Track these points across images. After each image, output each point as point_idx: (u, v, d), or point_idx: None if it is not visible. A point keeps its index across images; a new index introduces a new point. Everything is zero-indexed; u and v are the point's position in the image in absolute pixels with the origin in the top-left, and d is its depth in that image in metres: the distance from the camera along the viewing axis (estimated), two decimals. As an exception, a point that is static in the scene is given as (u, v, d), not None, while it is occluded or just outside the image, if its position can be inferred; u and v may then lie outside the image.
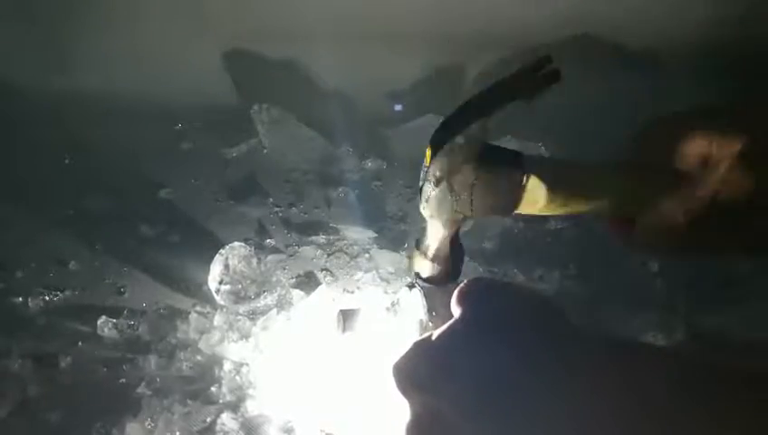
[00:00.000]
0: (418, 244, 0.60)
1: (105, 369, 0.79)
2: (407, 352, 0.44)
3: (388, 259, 1.01)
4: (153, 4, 1.56)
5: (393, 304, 0.62)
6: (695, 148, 0.53)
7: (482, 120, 0.52)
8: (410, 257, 0.61)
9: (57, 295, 0.91)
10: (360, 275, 1.00)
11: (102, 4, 1.56)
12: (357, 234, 1.12)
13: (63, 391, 0.75)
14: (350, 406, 0.72)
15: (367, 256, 1.03)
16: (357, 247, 1.08)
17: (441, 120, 0.54)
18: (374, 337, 0.64)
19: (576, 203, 0.55)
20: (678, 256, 0.56)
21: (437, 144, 0.55)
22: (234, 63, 1.64)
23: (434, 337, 0.43)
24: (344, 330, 0.65)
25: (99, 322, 0.84)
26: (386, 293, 0.95)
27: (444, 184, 0.56)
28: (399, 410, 0.44)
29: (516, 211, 0.55)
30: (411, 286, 0.64)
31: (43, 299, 0.90)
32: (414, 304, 0.62)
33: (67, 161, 1.33)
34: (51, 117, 1.46)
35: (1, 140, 1.38)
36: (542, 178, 0.53)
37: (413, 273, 0.61)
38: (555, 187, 0.54)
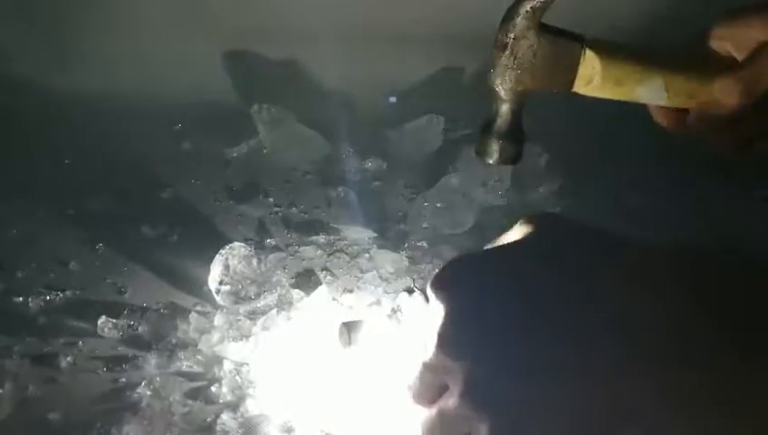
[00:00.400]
0: (486, 126, 0.63)
1: (105, 369, 0.79)
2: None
3: (388, 259, 1.01)
4: (154, 3, 1.56)
5: (394, 311, 0.62)
6: (753, 33, 0.54)
7: None
8: (478, 146, 0.63)
9: (57, 295, 0.91)
10: (360, 274, 1.00)
11: (103, 3, 1.56)
12: (357, 234, 1.12)
13: (63, 391, 0.75)
14: (351, 407, 0.73)
15: (367, 256, 1.03)
16: (357, 247, 1.08)
17: None
18: (375, 341, 0.64)
19: (631, 83, 0.57)
20: (736, 146, 0.57)
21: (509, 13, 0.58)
22: (234, 63, 1.64)
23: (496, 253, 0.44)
24: (349, 343, 0.65)
25: (99, 322, 0.84)
26: (386, 293, 0.95)
27: (508, 50, 0.58)
28: (400, 413, 0.45)
29: (573, 89, 0.58)
30: (411, 291, 0.64)
31: (43, 299, 0.90)
32: (415, 308, 0.61)
33: (67, 161, 1.33)
34: (51, 117, 1.46)
35: (1, 139, 1.37)
36: (598, 51, 0.57)
37: (480, 156, 0.63)
38: (611, 61, 0.57)
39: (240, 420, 0.72)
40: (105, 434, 0.69)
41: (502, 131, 0.62)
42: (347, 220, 1.15)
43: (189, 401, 0.74)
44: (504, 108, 0.61)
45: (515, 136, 0.63)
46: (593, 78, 0.57)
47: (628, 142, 1.38)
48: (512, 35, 0.58)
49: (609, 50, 0.57)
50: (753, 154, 0.59)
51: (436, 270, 0.44)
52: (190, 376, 0.79)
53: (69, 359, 0.80)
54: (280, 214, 1.19)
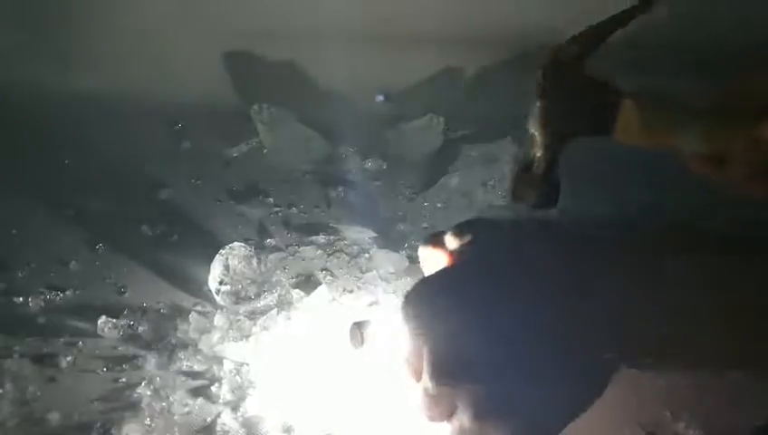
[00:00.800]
0: (524, 168, 0.64)
1: (105, 369, 0.79)
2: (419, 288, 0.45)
3: (388, 259, 1.01)
4: (155, 5, 1.56)
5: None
6: None
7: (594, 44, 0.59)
8: (513, 185, 0.65)
9: (57, 295, 0.91)
10: (360, 274, 1.00)
11: (105, 5, 1.56)
12: (357, 234, 1.12)
13: (63, 391, 0.75)
14: (353, 407, 0.73)
15: (367, 256, 1.03)
16: (357, 247, 1.08)
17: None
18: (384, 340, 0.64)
19: (668, 132, 0.58)
20: None
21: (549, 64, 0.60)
22: (234, 63, 1.64)
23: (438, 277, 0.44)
24: (361, 343, 0.65)
25: (99, 322, 0.84)
26: (386, 292, 0.95)
27: (550, 98, 0.60)
28: (404, 410, 0.45)
29: (613, 134, 0.59)
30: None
31: (44, 299, 0.90)
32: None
33: (67, 161, 1.33)
34: (51, 117, 1.46)
35: (1, 139, 1.38)
36: (637, 101, 0.58)
37: (517, 199, 0.65)
38: (649, 110, 0.58)
39: (240, 420, 0.72)
40: (105, 434, 0.69)
41: (539, 176, 0.64)
42: (347, 220, 1.15)
43: (189, 401, 0.74)
44: (542, 153, 0.62)
45: (552, 181, 0.65)
46: (632, 126, 0.58)
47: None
48: (550, 81, 0.60)
49: (647, 100, 0.58)
50: None
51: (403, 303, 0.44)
52: (190, 376, 0.79)
53: (69, 359, 0.80)
54: (280, 214, 1.19)
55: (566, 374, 0.38)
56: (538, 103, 0.61)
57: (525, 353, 0.38)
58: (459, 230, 0.46)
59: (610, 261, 0.40)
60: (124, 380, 0.77)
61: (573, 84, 0.59)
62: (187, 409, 0.73)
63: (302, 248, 1.07)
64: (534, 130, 0.62)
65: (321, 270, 1.01)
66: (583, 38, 0.60)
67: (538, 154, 0.63)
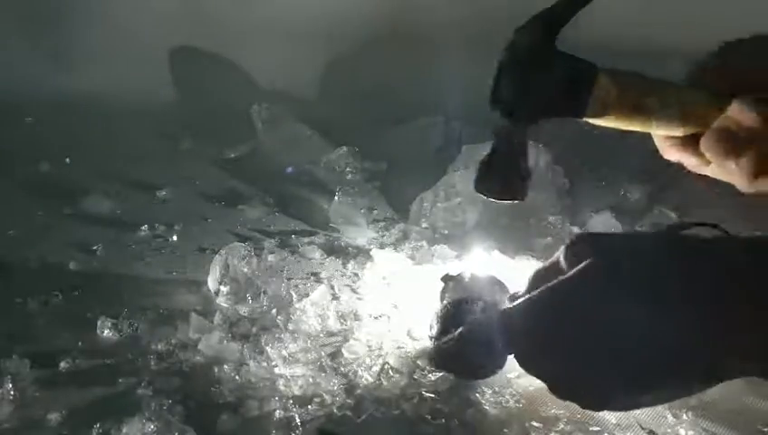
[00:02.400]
0: (488, 159, 0.58)
1: (105, 369, 0.79)
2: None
3: (388, 259, 1.01)
4: (153, 4, 1.55)
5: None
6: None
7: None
8: (479, 181, 0.59)
9: (57, 295, 0.91)
10: (359, 274, 1.00)
11: (103, 4, 1.56)
12: (357, 234, 1.12)
13: (63, 391, 0.75)
14: None
15: (367, 255, 1.03)
16: (357, 247, 1.08)
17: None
18: None
19: (646, 109, 0.54)
20: (750, 176, 0.55)
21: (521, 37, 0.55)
22: (233, 64, 1.64)
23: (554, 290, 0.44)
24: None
25: (99, 322, 0.84)
26: (386, 291, 0.95)
27: (517, 75, 0.55)
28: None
29: (587, 116, 0.54)
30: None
31: (43, 299, 0.90)
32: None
33: (68, 161, 1.33)
34: (51, 117, 1.46)
35: (1, 139, 1.37)
36: (613, 76, 0.53)
37: (480, 190, 0.59)
38: (626, 86, 0.54)
39: (240, 420, 0.72)
40: (105, 434, 0.69)
41: (507, 165, 0.57)
42: (347, 220, 1.15)
43: (189, 401, 0.74)
44: (511, 139, 0.57)
45: (519, 170, 0.58)
46: (608, 104, 0.54)
47: (628, 141, 1.38)
48: (522, 59, 0.54)
49: (624, 76, 0.54)
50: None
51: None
52: (190, 376, 0.79)
53: (69, 359, 0.79)
54: (279, 214, 1.19)
55: (672, 380, 0.41)
56: (501, 82, 0.55)
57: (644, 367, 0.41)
58: (575, 245, 0.47)
59: (724, 272, 0.41)
60: (124, 380, 0.77)
61: (542, 61, 0.53)
62: (186, 409, 0.73)
63: (302, 248, 1.07)
64: (499, 112, 0.56)
65: (322, 270, 1.01)
66: (554, 11, 0.54)
67: (504, 141, 0.57)
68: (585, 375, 0.43)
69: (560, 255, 0.49)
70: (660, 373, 0.41)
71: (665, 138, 0.57)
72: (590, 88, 0.53)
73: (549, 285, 0.45)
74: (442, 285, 0.77)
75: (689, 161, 0.56)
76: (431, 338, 0.73)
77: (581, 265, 0.44)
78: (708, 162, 0.55)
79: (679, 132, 0.56)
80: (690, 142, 0.55)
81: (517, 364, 0.47)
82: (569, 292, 0.44)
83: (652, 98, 0.54)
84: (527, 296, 0.46)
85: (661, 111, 0.54)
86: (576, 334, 0.43)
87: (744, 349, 0.39)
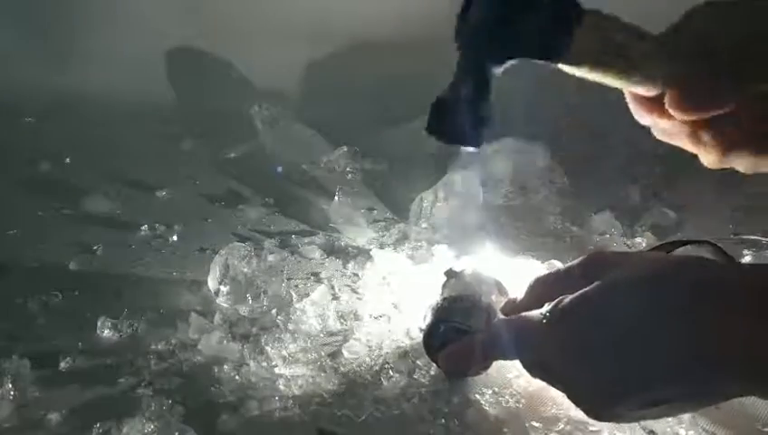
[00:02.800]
0: (445, 95, 0.52)
1: (105, 369, 0.79)
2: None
3: (388, 259, 1.01)
4: (153, 4, 1.55)
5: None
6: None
7: None
8: (429, 116, 0.54)
9: (57, 295, 0.91)
10: (360, 274, 1.00)
11: (102, 4, 1.56)
12: (357, 234, 1.12)
13: (63, 391, 0.75)
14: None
15: (367, 255, 1.03)
16: (357, 247, 1.08)
17: None
18: None
19: (625, 63, 0.49)
20: (719, 151, 0.53)
21: None
22: (233, 64, 1.64)
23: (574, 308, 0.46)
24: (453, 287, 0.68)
25: (99, 322, 0.84)
26: (386, 288, 0.95)
27: (483, 3, 0.49)
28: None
29: (564, 61, 0.49)
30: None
31: (43, 299, 0.90)
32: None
33: (68, 161, 1.33)
34: (51, 117, 1.46)
35: (0, 139, 1.38)
36: (598, 17, 0.48)
37: (432, 133, 0.54)
38: (610, 34, 0.48)
39: (240, 420, 0.72)
40: (105, 434, 0.69)
41: (462, 106, 0.51)
42: (347, 220, 1.15)
43: (189, 401, 0.74)
44: (472, 76, 0.50)
45: (477, 113, 0.51)
46: (589, 50, 0.48)
47: (628, 141, 1.38)
48: None
49: (608, 20, 0.48)
50: (735, 164, 0.54)
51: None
52: (190, 376, 0.79)
53: (69, 359, 0.79)
54: (279, 214, 1.19)
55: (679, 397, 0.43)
56: (470, 13, 0.49)
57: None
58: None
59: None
60: (124, 380, 0.77)
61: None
62: (186, 409, 0.73)
63: (302, 248, 1.07)
64: (462, 47, 0.50)
65: (322, 270, 1.01)
66: None
67: (462, 79, 0.50)
68: (601, 388, 0.45)
69: (570, 268, 0.50)
70: (668, 391, 0.43)
71: (639, 98, 0.53)
72: (573, 28, 0.47)
73: (572, 299, 0.46)
74: (444, 278, 0.77)
75: (661, 126, 0.54)
76: (420, 329, 0.74)
77: (604, 282, 0.46)
78: (681, 129, 0.53)
79: (655, 91, 0.51)
80: (665, 110, 0.52)
81: (520, 366, 0.48)
82: (596, 308, 0.45)
83: (635, 49, 0.49)
84: (550, 310, 0.47)
85: (641, 65, 0.49)
86: (598, 347, 0.44)
87: (743, 372, 0.41)
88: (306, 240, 1.09)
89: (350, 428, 0.70)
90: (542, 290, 0.53)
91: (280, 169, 1.32)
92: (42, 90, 1.51)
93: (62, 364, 0.79)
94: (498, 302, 0.67)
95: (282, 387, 0.76)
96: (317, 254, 1.05)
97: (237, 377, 0.78)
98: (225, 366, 0.79)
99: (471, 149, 0.53)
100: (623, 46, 0.49)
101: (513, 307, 0.56)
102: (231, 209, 1.20)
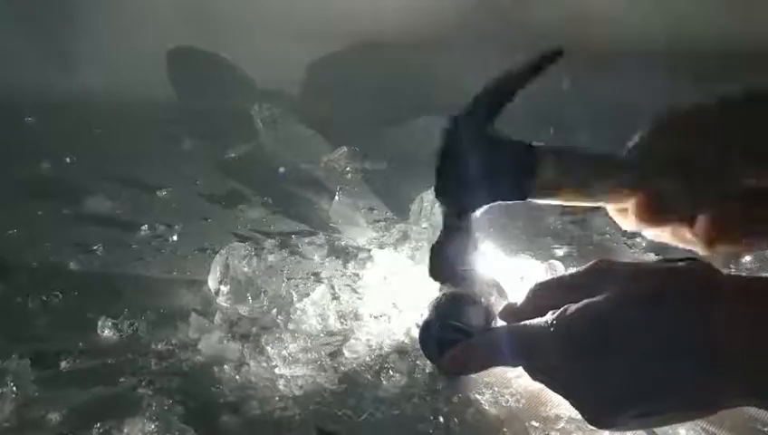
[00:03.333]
0: (436, 247, 0.58)
1: (105, 369, 0.79)
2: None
3: (388, 259, 1.01)
4: (153, 4, 1.56)
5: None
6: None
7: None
8: (431, 269, 0.60)
9: (57, 295, 0.91)
10: (360, 274, 1.00)
11: (103, 4, 1.56)
12: (357, 234, 1.12)
13: (63, 391, 0.75)
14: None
15: (367, 255, 1.03)
16: (357, 247, 1.08)
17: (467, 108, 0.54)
18: None
19: (590, 190, 0.54)
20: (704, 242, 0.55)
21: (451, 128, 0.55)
22: (233, 64, 1.64)
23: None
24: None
25: (99, 322, 0.84)
26: (386, 289, 0.95)
27: (457, 164, 0.54)
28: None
29: (531, 198, 0.54)
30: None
31: (43, 299, 0.90)
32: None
33: (68, 160, 1.33)
34: (51, 117, 1.46)
35: (0, 139, 1.38)
36: (553, 160, 0.53)
37: (437, 280, 0.59)
38: (567, 171, 0.53)
39: (240, 420, 0.72)
40: (105, 434, 0.69)
41: (444, 252, 0.58)
42: (347, 220, 1.15)
43: (189, 401, 0.74)
44: (454, 227, 0.57)
45: (453, 257, 0.58)
46: (551, 187, 0.53)
47: (627, 141, 1.38)
48: (456, 150, 0.54)
49: (563, 156, 0.53)
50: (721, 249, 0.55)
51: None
52: (190, 376, 0.79)
53: (69, 359, 0.79)
54: (279, 214, 1.19)
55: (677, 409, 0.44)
56: (441, 177, 0.55)
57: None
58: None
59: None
60: (124, 380, 0.77)
61: (478, 150, 0.53)
62: (186, 409, 0.73)
63: (302, 248, 1.07)
64: (441, 202, 0.57)
65: (322, 270, 1.01)
66: (487, 97, 0.54)
67: (448, 228, 0.57)
68: (604, 397, 0.46)
69: (574, 275, 0.50)
70: (670, 401, 0.44)
71: (618, 210, 0.57)
72: (532, 174, 0.53)
73: (579, 309, 0.47)
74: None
75: (648, 232, 0.57)
76: (417, 326, 0.74)
77: (611, 294, 0.46)
78: (663, 231, 0.56)
79: (626, 204, 0.55)
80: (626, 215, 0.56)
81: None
82: (603, 319, 0.46)
83: (595, 177, 0.53)
84: (555, 318, 0.48)
85: (603, 188, 0.53)
86: (603, 357, 0.45)
87: (747, 381, 0.42)
88: (306, 240, 1.09)
89: (350, 428, 0.71)
90: (544, 295, 0.53)
91: (282, 169, 1.32)
92: (42, 90, 1.51)
93: (63, 364, 0.79)
94: (497, 302, 0.67)
95: (282, 387, 0.76)
96: (317, 254, 1.05)
97: (237, 377, 0.78)
98: (225, 366, 0.79)
99: (449, 285, 0.59)
100: (584, 176, 0.53)
101: (513, 311, 0.57)
102: (231, 209, 1.20)
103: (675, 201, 0.53)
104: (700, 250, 0.55)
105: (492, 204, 0.56)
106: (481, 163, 0.53)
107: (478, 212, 0.57)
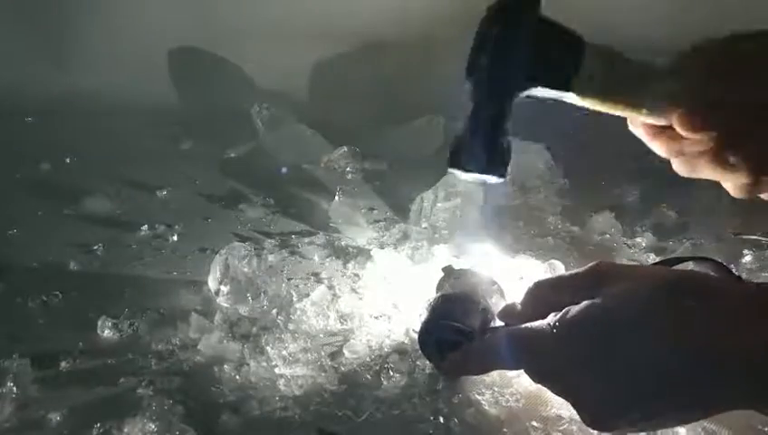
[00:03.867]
0: (465, 128, 0.54)
1: (105, 369, 0.79)
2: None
3: (388, 259, 1.01)
4: (154, 5, 1.55)
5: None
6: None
7: None
8: (451, 149, 0.55)
9: (57, 296, 0.91)
10: (360, 274, 1.00)
11: (102, 4, 1.56)
12: (357, 234, 1.12)
13: (64, 391, 0.75)
14: None
15: (367, 255, 1.03)
16: (357, 247, 1.08)
17: None
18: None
19: (632, 95, 0.51)
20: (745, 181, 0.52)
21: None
22: (233, 64, 1.64)
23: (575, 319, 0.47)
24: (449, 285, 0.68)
25: (99, 322, 0.84)
26: (386, 290, 0.95)
27: (498, 40, 0.50)
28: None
29: (571, 92, 0.50)
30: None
31: (43, 299, 0.90)
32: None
33: (68, 160, 1.33)
34: (51, 117, 1.46)
35: (1, 139, 1.37)
36: (601, 51, 0.51)
37: (455, 166, 0.55)
38: (613, 67, 0.50)
39: (240, 420, 0.72)
40: (105, 434, 0.69)
41: (484, 140, 0.53)
42: (347, 220, 1.15)
43: (189, 401, 0.74)
44: (487, 112, 0.52)
45: (498, 144, 0.53)
46: (593, 82, 0.50)
47: (627, 141, 1.38)
48: (503, 25, 0.49)
49: (612, 54, 0.50)
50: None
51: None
52: (190, 376, 0.79)
53: (69, 359, 0.79)
54: (279, 214, 1.19)
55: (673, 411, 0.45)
56: (484, 51, 0.51)
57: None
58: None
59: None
60: (124, 380, 0.77)
61: (526, 29, 0.49)
62: (186, 409, 0.73)
63: (302, 248, 1.07)
64: (475, 82, 0.52)
65: (322, 270, 1.01)
66: None
67: (481, 112, 0.52)
68: (607, 400, 0.46)
69: (573, 276, 0.50)
70: (672, 401, 0.44)
71: (653, 129, 0.54)
72: (578, 62, 0.49)
73: (580, 311, 0.47)
74: (442, 274, 0.77)
75: (680, 157, 0.54)
76: (414, 331, 0.73)
77: (612, 296, 0.46)
78: (704, 157, 0.52)
79: (666, 120, 0.52)
80: (681, 136, 0.52)
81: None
82: (605, 322, 0.46)
83: (640, 79, 0.51)
84: (557, 321, 0.47)
85: (648, 96, 0.50)
86: (606, 360, 0.45)
87: (746, 381, 0.42)
88: (306, 240, 1.09)
89: (351, 428, 0.70)
90: (543, 297, 0.53)
91: (285, 169, 1.32)
92: (42, 90, 1.51)
93: (63, 364, 0.79)
94: (496, 303, 0.67)
95: (282, 387, 0.76)
96: (317, 254, 1.05)
97: (237, 377, 0.78)
98: (225, 366, 0.79)
99: (496, 180, 0.54)
100: (629, 75, 0.51)
101: (512, 312, 0.56)
102: (231, 209, 1.20)
103: (722, 111, 0.49)
104: (740, 184, 0.52)
105: (529, 92, 0.51)
106: (525, 43, 0.49)
107: (514, 100, 0.52)
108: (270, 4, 1.54)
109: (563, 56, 0.50)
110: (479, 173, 0.54)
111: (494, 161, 0.53)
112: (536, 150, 1.22)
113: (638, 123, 0.54)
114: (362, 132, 1.42)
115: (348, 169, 1.35)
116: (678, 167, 0.55)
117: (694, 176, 0.55)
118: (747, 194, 0.52)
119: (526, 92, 0.52)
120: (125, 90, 1.51)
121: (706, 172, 0.53)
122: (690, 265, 0.54)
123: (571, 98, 0.52)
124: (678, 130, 0.51)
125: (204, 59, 1.62)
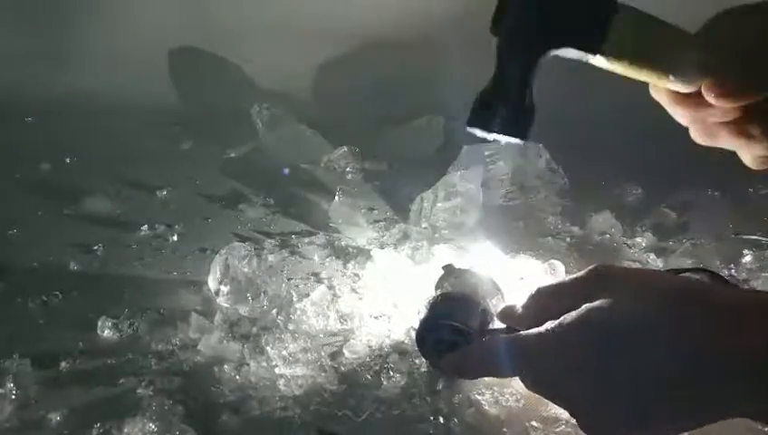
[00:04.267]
0: (488, 87, 0.52)
1: (105, 369, 0.79)
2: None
3: (388, 259, 1.01)
4: (154, 5, 1.55)
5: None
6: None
7: None
8: (474, 106, 0.52)
9: (57, 296, 0.91)
10: (360, 274, 1.00)
11: (102, 5, 1.56)
12: (357, 234, 1.12)
13: (63, 391, 0.75)
14: None
15: (367, 255, 1.03)
16: (357, 247, 1.08)
17: None
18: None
19: (662, 59, 0.50)
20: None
21: None
22: (233, 64, 1.64)
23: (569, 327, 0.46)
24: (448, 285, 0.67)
25: (99, 322, 0.84)
26: (386, 290, 0.95)
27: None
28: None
29: (600, 53, 0.49)
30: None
31: (43, 299, 0.90)
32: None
33: (68, 160, 1.33)
34: (51, 117, 1.46)
35: (1, 139, 1.38)
36: (633, 15, 0.49)
37: (474, 125, 0.52)
38: (645, 29, 0.49)
39: (240, 420, 0.72)
40: (105, 434, 0.69)
41: (508, 97, 0.51)
42: (347, 220, 1.15)
43: (189, 401, 0.74)
44: (512, 70, 0.50)
45: (522, 104, 0.51)
46: (624, 44, 0.48)
47: (627, 141, 1.38)
48: None
49: (643, 16, 0.49)
50: None
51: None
52: (190, 376, 0.79)
53: (69, 359, 0.79)
54: (279, 214, 1.19)
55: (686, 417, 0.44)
56: (512, 8, 0.49)
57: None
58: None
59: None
60: (124, 380, 0.77)
61: None
62: (186, 409, 0.73)
63: (302, 248, 1.07)
64: (502, 40, 0.51)
65: (322, 270, 1.01)
66: None
67: (507, 70, 0.51)
68: (605, 408, 0.45)
69: (574, 281, 0.50)
70: (672, 406, 0.44)
71: (677, 96, 0.52)
72: (608, 24, 0.48)
73: (578, 318, 0.46)
74: (441, 273, 0.77)
75: (703, 123, 0.52)
76: (413, 329, 0.73)
77: (612, 303, 0.46)
78: (723, 126, 0.51)
79: (692, 87, 0.51)
80: (706, 104, 0.50)
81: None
82: (603, 330, 0.45)
83: (671, 43, 0.50)
84: (555, 328, 0.47)
85: (677, 59, 0.49)
86: (604, 368, 0.45)
87: (746, 387, 0.41)
88: (306, 240, 1.09)
89: (350, 428, 0.71)
90: (544, 302, 0.53)
91: (287, 170, 1.32)
92: (42, 90, 1.51)
93: (63, 364, 0.79)
94: (496, 305, 0.67)
95: (282, 387, 0.76)
96: (317, 254, 1.05)
97: (237, 377, 0.78)
98: (225, 366, 0.79)
99: (517, 140, 0.53)
100: (659, 41, 0.50)
101: (512, 315, 0.56)
102: (231, 209, 1.20)
103: (755, 73, 0.48)
104: (758, 156, 0.51)
105: (557, 52, 0.50)
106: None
107: (540, 59, 0.50)
108: (270, 4, 1.54)
109: (594, 17, 0.49)
110: (501, 133, 0.52)
111: (518, 122, 0.52)
112: (536, 150, 1.22)
113: (662, 89, 0.53)
114: (362, 132, 1.42)
115: (348, 169, 1.35)
116: (696, 135, 0.54)
117: (710, 144, 0.54)
118: (763, 165, 0.52)
119: (554, 52, 0.51)
120: (125, 90, 1.51)
121: (725, 142, 0.53)
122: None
123: (598, 61, 0.50)
124: (708, 98, 0.49)
125: (204, 59, 1.62)
